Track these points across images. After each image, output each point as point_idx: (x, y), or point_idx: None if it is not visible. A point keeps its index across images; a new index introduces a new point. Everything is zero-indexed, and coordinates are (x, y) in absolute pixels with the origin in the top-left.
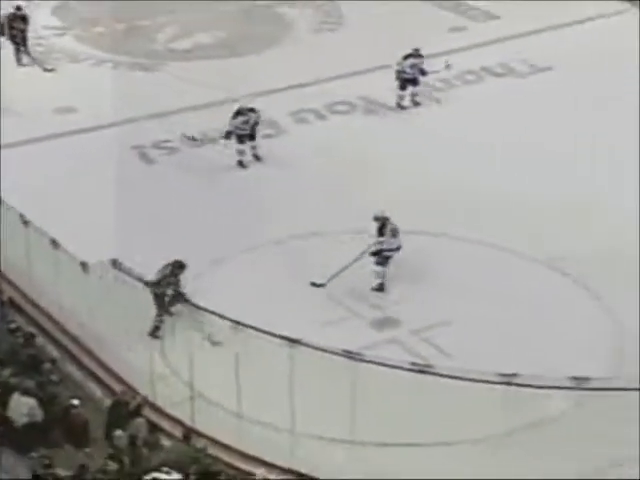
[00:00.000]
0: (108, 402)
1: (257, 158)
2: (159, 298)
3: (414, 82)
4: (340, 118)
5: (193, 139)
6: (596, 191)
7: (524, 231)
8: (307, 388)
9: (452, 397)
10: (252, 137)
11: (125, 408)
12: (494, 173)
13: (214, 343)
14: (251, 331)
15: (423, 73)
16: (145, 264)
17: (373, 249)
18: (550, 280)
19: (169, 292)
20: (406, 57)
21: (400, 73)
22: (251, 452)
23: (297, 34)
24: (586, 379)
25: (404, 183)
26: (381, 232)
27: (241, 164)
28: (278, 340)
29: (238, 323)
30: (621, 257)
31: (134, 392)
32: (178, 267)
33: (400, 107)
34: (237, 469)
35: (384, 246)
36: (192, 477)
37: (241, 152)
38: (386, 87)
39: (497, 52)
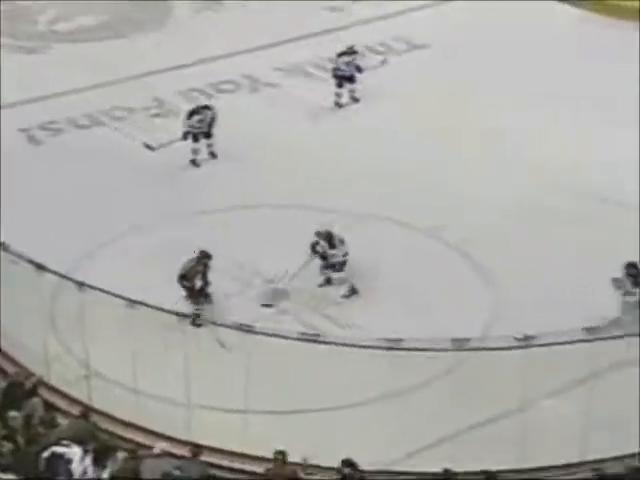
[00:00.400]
0: (2, 384)
1: (213, 155)
2: (190, 290)
3: (350, 79)
4: (227, 97)
5: (149, 147)
6: (480, 164)
7: (405, 202)
8: (202, 362)
9: (342, 364)
10: (208, 135)
11: (20, 389)
12: (370, 145)
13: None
14: (145, 308)
15: (359, 70)
16: (34, 246)
17: (333, 261)
18: (432, 249)
19: (198, 283)
20: (340, 54)
21: (335, 71)
22: (149, 427)
23: (179, 14)
24: (466, 340)
25: (288, 160)
26: (331, 244)
27: (194, 163)
28: (173, 316)
29: (132, 301)
30: (500, 226)
31: (29, 373)
32: (205, 257)
33: (338, 105)
34: (136, 444)
35: (339, 258)
36: (90, 452)
37: (195, 151)
38: (269, 66)
39: (374, 30)
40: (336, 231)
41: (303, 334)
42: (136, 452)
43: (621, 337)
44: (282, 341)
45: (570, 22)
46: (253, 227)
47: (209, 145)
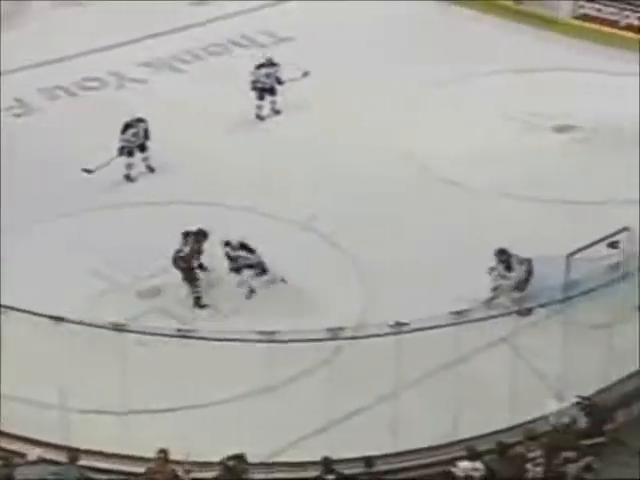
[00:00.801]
0: None
1: (150, 169)
2: (190, 272)
3: (271, 91)
4: (93, 94)
5: (88, 171)
6: (351, 155)
7: (278, 194)
8: (76, 363)
9: (218, 359)
10: (142, 148)
11: None
12: (235, 141)
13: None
14: (15, 312)
15: (279, 82)
16: None
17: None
18: (304, 240)
19: (196, 264)
20: (259, 66)
21: (255, 83)
22: (22, 433)
23: (38, 9)
24: (341, 329)
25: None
26: (249, 250)
27: (128, 178)
28: (43, 319)
29: (5, 307)
30: (368, 216)
31: None
32: (202, 236)
33: (259, 118)
34: (8, 451)
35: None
36: None
37: (129, 166)
38: (134, 62)
39: (240, 24)
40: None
41: (178, 330)
42: (9, 460)
43: (489, 319)
44: (157, 338)
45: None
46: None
47: (144, 159)
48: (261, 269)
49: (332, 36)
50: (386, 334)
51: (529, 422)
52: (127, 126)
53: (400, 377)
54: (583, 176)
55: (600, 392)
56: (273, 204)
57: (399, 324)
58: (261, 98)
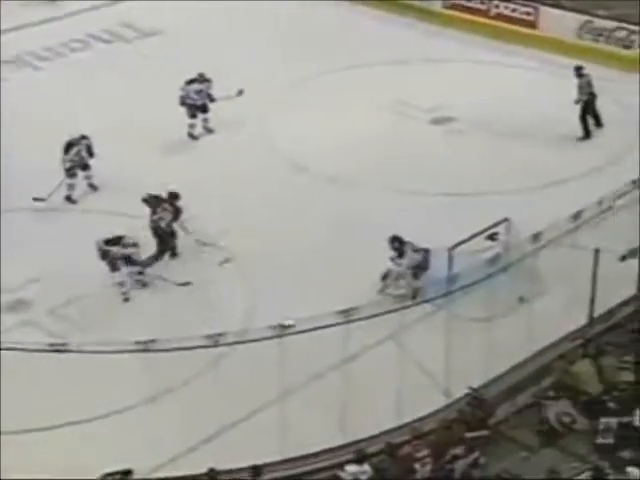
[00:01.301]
0: None
1: (93, 188)
2: (166, 235)
3: (203, 109)
4: None
5: (39, 200)
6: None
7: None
8: None
9: (96, 371)
10: (85, 167)
11: None
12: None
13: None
14: None
15: (211, 99)
16: None
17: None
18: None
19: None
20: (190, 82)
21: (184, 99)
22: None
23: None
24: (222, 335)
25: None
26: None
27: (69, 199)
28: None
29: None
30: (250, 218)
31: None
32: (174, 198)
33: (192, 137)
34: None
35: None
36: None
37: (71, 186)
38: None
39: (102, 18)
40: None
41: (51, 345)
42: None
43: (374, 317)
44: (29, 354)
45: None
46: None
47: (87, 177)
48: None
49: (203, 31)
50: (270, 337)
51: (416, 420)
52: (69, 145)
53: (286, 381)
54: (461, 167)
55: (485, 386)
56: None
57: (283, 326)
58: (193, 116)
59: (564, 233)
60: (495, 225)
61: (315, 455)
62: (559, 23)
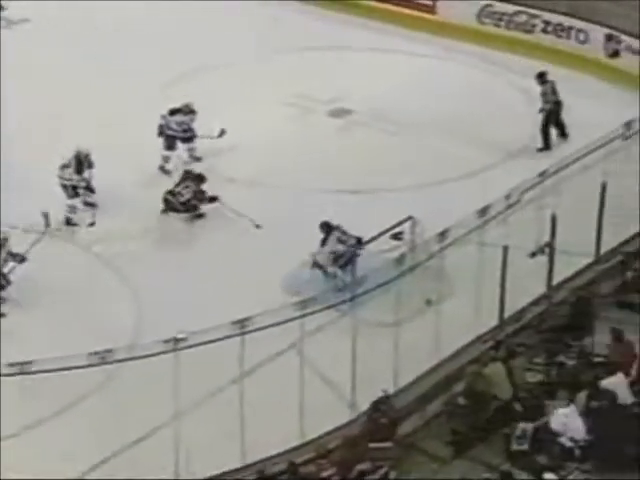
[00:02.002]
0: None
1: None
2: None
3: (189, 140)
4: None
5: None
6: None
7: None
8: None
9: None
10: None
11: None
12: None
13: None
14: None
15: (191, 135)
16: None
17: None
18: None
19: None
20: (173, 112)
21: (163, 128)
22: None
23: None
24: (109, 351)
25: None
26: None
27: (69, 222)
28: None
29: None
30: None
31: None
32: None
33: (163, 171)
34: None
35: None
36: None
37: (72, 208)
38: None
39: None
40: None
41: None
42: None
43: (273, 326)
44: None
45: None
46: None
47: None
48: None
49: (75, 21)
50: (161, 352)
51: (321, 437)
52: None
53: (182, 398)
54: (360, 163)
55: (393, 395)
56: None
57: (176, 340)
58: (170, 148)
59: (471, 230)
60: (399, 224)
61: (214, 478)
62: (458, 8)
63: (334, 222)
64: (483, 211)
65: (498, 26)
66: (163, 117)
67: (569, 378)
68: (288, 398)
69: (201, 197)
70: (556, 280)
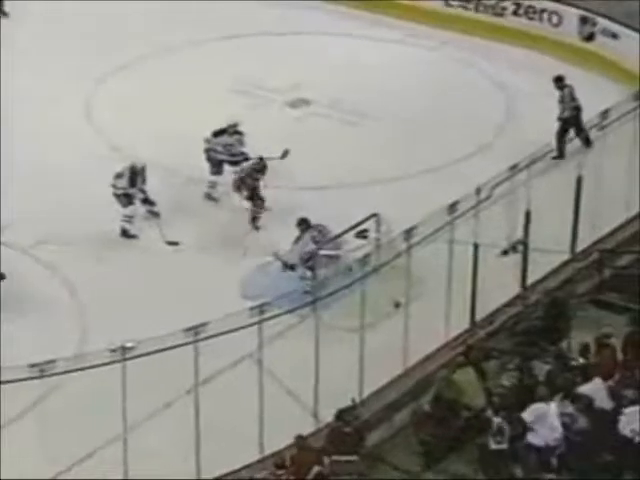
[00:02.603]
0: None
1: (155, 214)
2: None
3: (236, 163)
4: None
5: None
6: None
7: None
8: None
9: None
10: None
11: None
12: None
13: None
14: None
15: (243, 158)
16: None
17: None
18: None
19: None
20: (217, 133)
21: (209, 152)
22: None
23: None
24: (51, 362)
25: None
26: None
27: (126, 233)
28: None
29: None
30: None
31: None
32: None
33: (210, 198)
34: None
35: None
36: None
37: (129, 219)
38: None
39: None
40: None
41: None
42: None
43: (228, 332)
44: None
45: None
46: None
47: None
48: None
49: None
50: (108, 363)
51: (282, 450)
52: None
53: (131, 412)
54: (320, 157)
55: (360, 404)
56: None
57: (124, 349)
58: (217, 172)
59: (440, 227)
60: (363, 221)
61: None
62: None
63: (291, 223)
64: (452, 207)
65: (466, 9)
66: (207, 140)
67: (545, 383)
68: (246, 409)
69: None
70: (530, 280)
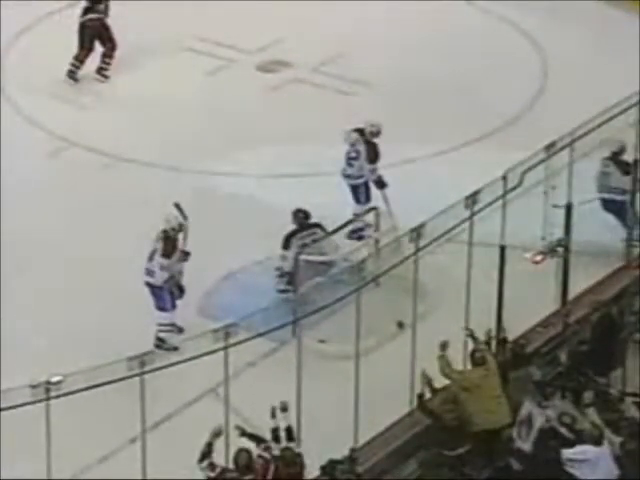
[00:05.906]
0: None
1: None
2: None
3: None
4: None
5: None
6: None
7: None
8: None
9: None
10: None
11: None
12: None
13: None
14: None
15: (382, 184)
16: None
17: None
18: None
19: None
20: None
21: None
22: None
23: None
24: None
25: None
26: None
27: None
28: None
29: None
30: None
31: None
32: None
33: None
34: None
35: None
36: None
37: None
38: None
39: None
40: None
41: None
42: None
43: (180, 363)
44: None
45: None
46: None
47: None
48: None
49: None
50: (32, 402)
51: None
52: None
53: (57, 460)
54: (300, 133)
55: (356, 451)
56: None
57: (48, 384)
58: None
59: (456, 225)
60: (358, 217)
61: None
62: None
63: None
64: (472, 198)
65: None
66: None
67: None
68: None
69: None
70: (573, 292)
